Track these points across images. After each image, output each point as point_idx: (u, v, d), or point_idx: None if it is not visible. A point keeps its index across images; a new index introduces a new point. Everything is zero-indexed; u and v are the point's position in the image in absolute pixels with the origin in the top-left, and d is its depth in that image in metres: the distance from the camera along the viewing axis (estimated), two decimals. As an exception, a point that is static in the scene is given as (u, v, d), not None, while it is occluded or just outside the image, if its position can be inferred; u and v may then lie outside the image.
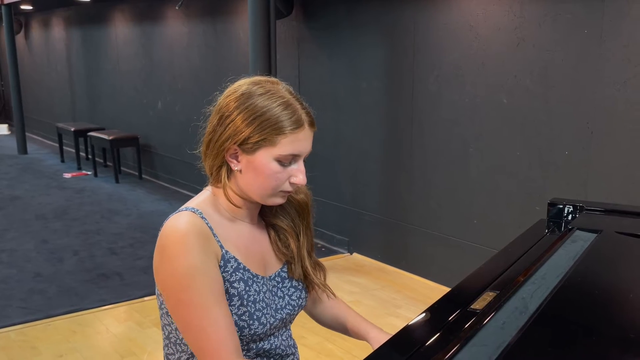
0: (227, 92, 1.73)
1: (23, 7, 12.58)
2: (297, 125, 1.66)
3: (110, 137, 9.79)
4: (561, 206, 2.35)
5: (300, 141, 1.68)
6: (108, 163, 11.07)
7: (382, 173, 6.01)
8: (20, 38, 14.58)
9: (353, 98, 6.13)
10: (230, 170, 1.73)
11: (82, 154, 11.35)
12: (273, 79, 1.75)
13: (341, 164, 6.35)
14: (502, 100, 4.81)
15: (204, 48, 8.31)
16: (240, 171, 1.70)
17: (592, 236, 2.04)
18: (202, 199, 1.78)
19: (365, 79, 5.97)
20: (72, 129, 10.89)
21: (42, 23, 13.76)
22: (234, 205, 1.76)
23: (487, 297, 1.56)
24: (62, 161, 11.62)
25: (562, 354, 1.30)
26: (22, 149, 12.49)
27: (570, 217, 2.33)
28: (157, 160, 9.95)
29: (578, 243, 1.98)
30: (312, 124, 1.71)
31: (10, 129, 15.51)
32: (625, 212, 2.33)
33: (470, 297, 1.57)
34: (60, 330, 4.70)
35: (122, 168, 10.54)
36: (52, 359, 4.28)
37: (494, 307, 1.51)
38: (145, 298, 5.21)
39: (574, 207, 2.34)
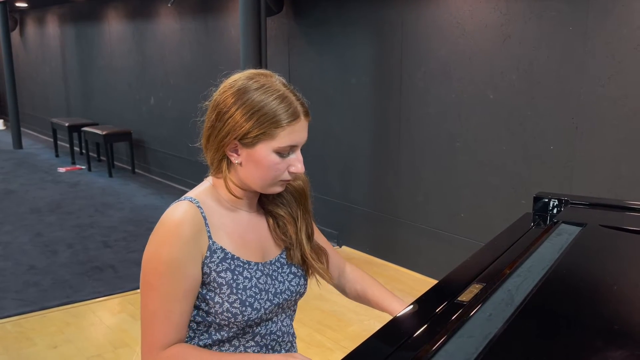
0: (222, 87, 1.74)
1: (18, 4, 12.56)
2: (294, 117, 1.68)
3: (104, 132, 9.75)
4: (546, 200, 2.35)
5: (297, 132, 1.70)
6: (102, 158, 11.03)
7: (370, 167, 6.00)
8: (15, 35, 14.51)
9: (342, 94, 6.12)
10: (230, 163, 1.74)
11: (76, 148, 11.32)
12: (267, 71, 1.77)
13: (330, 159, 6.34)
14: (488, 96, 4.80)
15: (195, 45, 8.29)
16: (241, 164, 1.72)
17: (577, 229, 2.03)
18: (202, 189, 1.80)
19: (354, 75, 5.96)
20: (67, 124, 10.85)
21: (36, 20, 13.70)
22: (235, 196, 1.78)
23: (474, 289, 1.56)
24: (57, 156, 11.57)
25: (548, 345, 1.29)
26: (17, 143, 12.43)
27: (555, 210, 2.33)
28: (149, 154, 9.93)
29: (563, 236, 1.98)
30: (307, 114, 1.73)
31: (5, 124, 15.46)
32: (609, 206, 2.33)
33: (457, 289, 1.57)
34: (54, 321, 4.68)
35: (115, 162, 10.51)
36: (47, 350, 4.27)
37: (480, 299, 1.50)
38: (139, 290, 5.18)
39: (559, 200, 2.34)
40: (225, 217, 1.78)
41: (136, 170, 10.18)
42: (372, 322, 4.58)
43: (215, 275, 1.71)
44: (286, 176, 1.74)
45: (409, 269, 5.71)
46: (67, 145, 11.09)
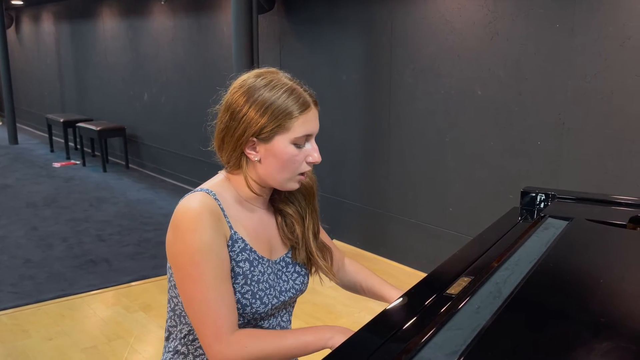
0: (232, 89, 1.76)
1: (14, 2, 12.53)
2: (305, 107, 1.72)
3: (98, 128, 9.73)
4: (533, 194, 2.35)
5: (310, 121, 1.74)
6: (96, 153, 10.99)
7: (361, 163, 6.00)
8: (11, 32, 14.45)
9: (333, 90, 6.11)
10: (248, 161, 1.76)
11: (71, 144, 11.28)
12: (272, 69, 1.80)
13: (321, 154, 6.29)
14: (476, 92, 4.80)
15: (188, 42, 8.26)
16: (260, 160, 1.74)
17: (564, 223, 2.03)
18: (216, 181, 1.81)
19: (344, 72, 5.95)
20: (61, 120, 10.82)
21: (32, 17, 13.64)
22: (255, 193, 1.79)
23: (463, 282, 1.56)
24: (52, 151, 11.54)
25: (535, 337, 1.29)
26: (13, 139, 12.39)
27: (542, 205, 2.33)
28: (143, 150, 9.90)
29: (550, 230, 1.98)
30: (316, 104, 1.77)
31: (1, 120, 15.40)
32: (595, 200, 2.33)
33: (446, 282, 1.56)
34: (50, 314, 4.67)
35: (109, 158, 10.48)
36: (42, 342, 4.26)
37: (469, 292, 1.50)
38: (133, 283, 5.19)
39: (546, 195, 2.34)
40: (239, 211, 1.79)
41: (130, 165, 10.16)
42: (362, 315, 4.58)
43: (234, 264, 1.72)
44: (304, 167, 1.78)
45: (399, 263, 5.71)
46: (62, 141, 11.07)
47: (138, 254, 5.93)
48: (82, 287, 5.14)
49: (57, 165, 10.29)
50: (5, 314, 4.66)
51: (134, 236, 6.48)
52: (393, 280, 5.47)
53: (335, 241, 6.30)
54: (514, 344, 1.28)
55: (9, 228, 6.77)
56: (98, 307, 4.82)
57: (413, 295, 1.52)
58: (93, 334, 4.39)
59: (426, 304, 1.45)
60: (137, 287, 5.14)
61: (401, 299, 1.49)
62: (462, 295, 1.49)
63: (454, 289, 1.52)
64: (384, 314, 1.44)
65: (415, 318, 1.38)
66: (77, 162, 10.45)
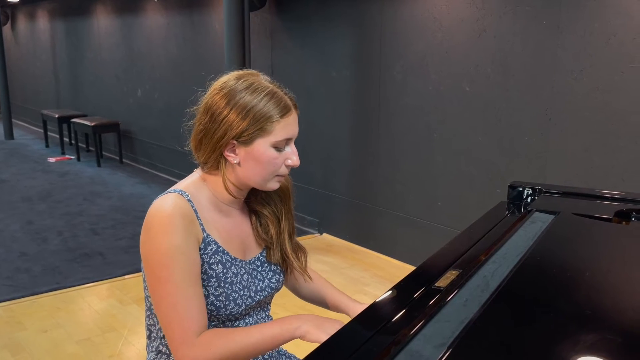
0: (212, 90, 1.74)
1: (9, -1, 12.49)
2: (286, 110, 1.69)
3: (93, 123, 9.70)
4: (521, 189, 2.35)
5: (290, 125, 1.71)
6: (90, 148, 10.98)
7: (350, 157, 5.99)
8: (7, 29, 14.40)
9: (323, 86, 6.10)
10: (227, 162, 1.73)
11: (66, 139, 11.25)
12: (252, 71, 1.77)
13: (312, 149, 6.33)
14: (464, 88, 4.80)
15: (181, 39, 8.24)
16: (239, 163, 1.71)
17: (550, 217, 2.03)
18: (190, 181, 1.78)
19: (334, 68, 5.94)
20: (56, 116, 10.77)
21: (28, 15, 13.59)
22: (233, 195, 1.77)
23: (451, 275, 1.55)
24: (47, 146, 11.49)
25: (522, 330, 1.29)
26: (9, 134, 12.33)
27: (529, 199, 2.33)
28: (137, 145, 9.88)
29: (537, 224, 1.97)
30: (296, 107, 1.74)
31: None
32: (581, 195, 2.33)
33: (435, 275, 1.56)
34: (45, 306, 4.65)
35: (103, 153, 10.47)
36: (37, 334, 4.24)
37: (457, 285, 1.50)
38: (126, 276, 5.17)
39: (533, 189, 2.34)
40: (213, 212, 1.77)
41: (124, 160, 10.13)
42: (352, 307, 4.57)
43: (207, 267, 1.70)
44: (283, 170, 1.74)
45: (388, 256, 5.71)
46: (57, 136, 11.03)
47: (132, 247, 5.91)
48: (76, 280, 5.12)
49: (52, 160, 10.25)
50: (0, 307, 4.63)
51: (128, 230, 6.46)
52: (382, 273, 5.48)
53: (325, 235, 6.31)
54: (501, 336, 1.28)
55: (4, 222, 6.74)
56: (92, 299, 4.81)
57: (402, 288, 1.52)
58: (87, 326, 4.37)
59: (415, 297, 1.44)
60: (131, 280, 5.12)
61: (390, 291, 1.49)
62: (451, 288, 1.48)
63: (442, 282, 1.51)
64: (373, 307, 1.43)
65: (404, 310, 1.37)
66: (72, 157, 10.42)
